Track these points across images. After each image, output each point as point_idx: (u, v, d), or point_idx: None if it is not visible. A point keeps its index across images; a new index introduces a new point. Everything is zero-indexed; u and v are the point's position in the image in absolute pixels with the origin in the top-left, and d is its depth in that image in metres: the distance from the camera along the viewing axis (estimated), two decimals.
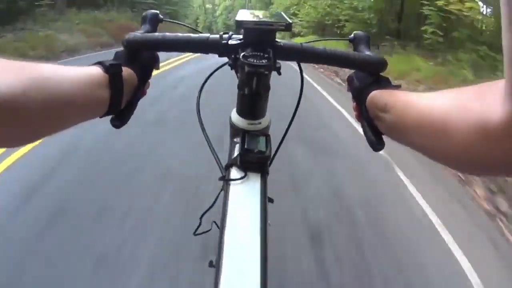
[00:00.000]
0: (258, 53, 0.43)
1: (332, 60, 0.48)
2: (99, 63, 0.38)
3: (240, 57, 0.42)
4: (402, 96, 0.38)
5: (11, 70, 0.26)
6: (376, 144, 0.44)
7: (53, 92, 0.29)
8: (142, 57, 0.46)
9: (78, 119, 0.35)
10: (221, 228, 0.39)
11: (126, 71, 0.41)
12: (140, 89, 0.45)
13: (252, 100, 0.49)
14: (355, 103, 0.48)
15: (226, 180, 0.45)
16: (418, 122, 0.33)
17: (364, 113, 0.45)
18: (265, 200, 0.42)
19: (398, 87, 0.44)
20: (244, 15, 0.48)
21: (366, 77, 0.47)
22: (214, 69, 0.59)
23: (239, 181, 0.44)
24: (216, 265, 0.36)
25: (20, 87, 0.26)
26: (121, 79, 0.39)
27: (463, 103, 0.28)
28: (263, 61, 0.42)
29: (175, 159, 2.49)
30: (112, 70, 0.38)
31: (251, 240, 0.36)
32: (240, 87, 0.48)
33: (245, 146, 0.45)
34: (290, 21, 0.45)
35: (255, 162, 0.45)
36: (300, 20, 14.39)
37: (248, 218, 0.39)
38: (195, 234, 0.76)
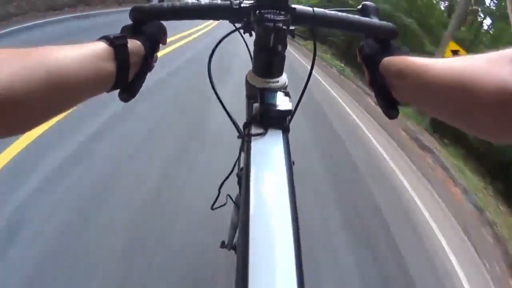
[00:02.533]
0: (275, 11, 0.42)
1: (344, 25, 0.47)
2: (104, 38, 0.38)
3: (257, 13, 0.42)
4: (417, 61, 0.37)
5: (16, 58, 0.26)
6: (391, 110, 0.43)
7: (58, 73, 0.29)
8: (149, 29, 0.45)
9: (85, 95, 0.35)
10: (245, 186, 0.36)
11: (133, 43, 0.40)
12: (148, 61, 0.44)
13: (270, 58, 0.47)
14: (367, 71, 0.47)
15: (246, 136, 0.42)
16: (436, 86, 0.33)
17: (377, 81, 0.44)
18: (289, 157, 0.39)
19: (408, 53, 0.43)
20: None
21: (377, 45, 0.46)
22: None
23: (260, 137, 0.41)
24: (242, 225, 0.32)
25: (25, 74, 0.26)
26: (127, 51, 0.38)
27: (480, 67, 0.29)
28: (281, 17, 0.41)
29: None
30: (116, 43, 0.37)
31: (281, 201, 0.33)
32: (257, 44, 0.47)
33: (264, 101, 0.43)
34: None
35: (275, 117, 0.42)
36: None
37: (274, 176, 0.36)
38: (212, 208, 0.75)
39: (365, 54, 0.47)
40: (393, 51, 0.44)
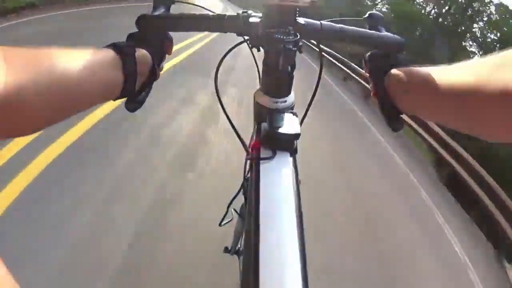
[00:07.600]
0: (283, 29, 0.41)
1: (352, 38, 0.46)
2: (112, 45, 0.37)
3: (265, 32, 0.41)
4: (422, 72, 0.37)
5: (24, 61, 0.26)
6: (395, 122, 0.42)
7: (63, 78, 0.29)
8: (155, 39, 0.45)
9: (90, 102, 0.34)
10: (255, 208, 0.36)
11: (140, 52, 0.40)
12: (155, 70, 0.43)
13: (279, 78, 0.46)
14: (372, 82, 0.47)
15: (255, 159, 0.41)
16: (443, 95, 0.33)
17: (382, 93, 0.43)
18: (297, 180, 0.39)
19: (415, 65, 0.42)
20: None
21: (384, 57, 0.46)
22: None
23: (269, 161, 0.40)
24: (250, 249, 0.32)
25: (32, 78, 0.25)
26: (134, 61, 0.38)
27: (485, 72, 0.28)
28: (290, 37, 0.40)
29: None
30: (125, 52, 0.37)
31: (289, 223, 0.33)
32: (265, 63, 0.46)
33: (273, 124, 0.42)
34: None
35: (284, 140, 0.42)
36: None
37: (282, 199, 0.36)
38: (220, 224, 0.75)
39: (372, 65, 0.47)
40: (400, 63, 0.44)
